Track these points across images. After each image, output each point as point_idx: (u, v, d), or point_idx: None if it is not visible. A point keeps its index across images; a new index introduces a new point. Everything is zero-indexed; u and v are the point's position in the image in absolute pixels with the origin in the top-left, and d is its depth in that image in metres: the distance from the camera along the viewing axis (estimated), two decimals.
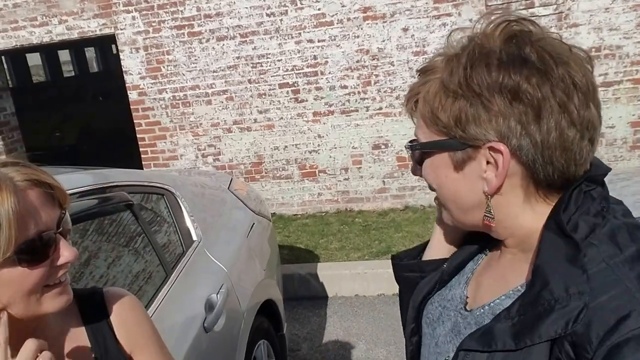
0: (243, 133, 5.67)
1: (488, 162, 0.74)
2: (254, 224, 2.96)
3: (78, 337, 0.97)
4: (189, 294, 2.09)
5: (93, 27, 5.61)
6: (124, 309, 1.03)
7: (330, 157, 5.55)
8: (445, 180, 0.79)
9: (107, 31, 5.59)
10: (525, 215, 0.76)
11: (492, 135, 0.72)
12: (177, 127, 5.77)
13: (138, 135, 5.88)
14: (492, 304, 0.80)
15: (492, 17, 0.75)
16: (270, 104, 5.53)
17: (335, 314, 4.03)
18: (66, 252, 0.86)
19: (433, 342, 0.91)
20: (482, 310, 0.82)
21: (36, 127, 9.37)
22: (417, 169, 0.85)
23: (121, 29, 5.57)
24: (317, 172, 5.63)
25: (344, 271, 4.31)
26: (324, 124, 5.48)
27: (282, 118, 5.55)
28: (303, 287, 4.31)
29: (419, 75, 0.81)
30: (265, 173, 5.74)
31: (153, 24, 5.51)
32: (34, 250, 0.81)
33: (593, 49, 4.94)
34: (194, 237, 2.37)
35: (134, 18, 5.52)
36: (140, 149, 5.92)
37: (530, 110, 0.69)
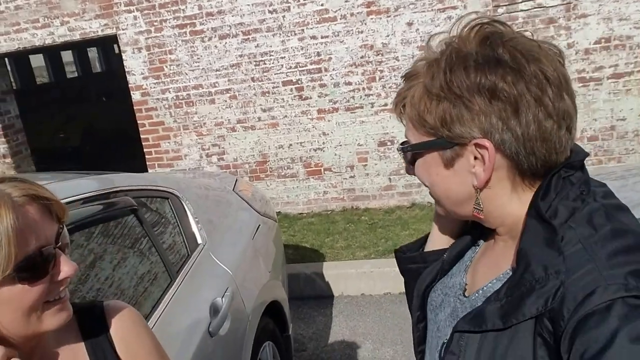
0: (247, 132, 5.71)
1: (475, 158, 0.80)
2: (259, 225, 2.98)
3: (77, 352, 0.96)
4: (193, 298, 2.11)
5: (95, 27, 5.66)
6: (124, 322, 1.02)
7: (336, 154, 5.58)
8: (437, 178, 0.85)
9: (109, 31, 5.63)
10: (513, 205, 0.82)
11: (476, 132, 0.78)
12: (180, 127, 5.81)
13: (142, 136, 5.92)
14: (484, 288, 0.87)
15: (466, 21, 0.82)
16: (274, 102, 5.56)
17: (341, 313, 4.05)
18: (66, 267, 0.86)
19: (435, 327, 0.97)
20: (476, 295, 0.88)
21: (40, 128, 9.47)
22: (410, 169, 0.91)
23: (123, 29, 5.62)
24: (322, 170, 5.65)
25: (350, 270, 4.33)
26: (329, 121, 5.50)
27: (286, 116, 5.58)
28: (309, 286, 4.33)
29: (404, 80, 0.87)
30: (270, 172, 5.78)
31: (155, 24, 5.55)
32: (33, 267, 0.82)
33: (603, 40, 4.90)
34: (199, 240, 2.39)
35: (135, 18, 5.56)
36: (144, 150, 5.95)
37: (509, 106, 0.75)
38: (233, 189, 3.11)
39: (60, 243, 0.87)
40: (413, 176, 0.92)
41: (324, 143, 5.58)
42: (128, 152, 7.67)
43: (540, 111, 0.75)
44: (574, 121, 0.79)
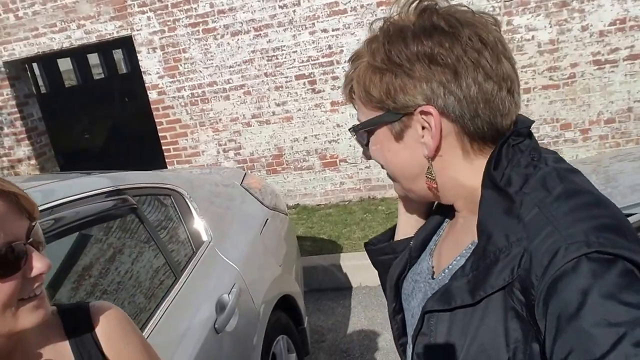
0: (262, 126, 5.62)
1: (423, 128, 0.78)
2: (267, 219, 2.89)
3: (61, 352, 0.92)
4: (198, 296, 2.04)
5: (110, 29, 5.62)
6: (110, 322, 0.97)
7: (350, 145, 5.45)
8: (389, 154, 0.84)
9: (123, 33, 5.58)
10: (467, 173, 0.80)
11: (420, 99, 0.77)
12: (197, 123, 5.75)
13: (160, 134, 5.88)
14: (450, 267, 0.84)
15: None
16: (288, 96, 5.46)
17: (359, 304, 3.96)
18: (39, 264, 0.82)
19: (410, 315, 0.95)
20: (443, 275, 0.85)
21: (68, 130, 9.52)
22: (366, 152, 0.89)
23: (137, 30, 5.56)
24: (337, 161, 5.54)
25: (368, 261, 4.21)
26: (342, 113, 5.38)
27: (300, 109, 5.47)
28: (327, 278, 4.25)
29: (350, 64, 0.86)
30: (287, 165, 5.69)
31: (168, 23, 5.48)
32: (3, 262, 0.78)
33: (617, 21, 4.70)
34: (204, 237, 2.31)
35: (149, 18, 5.50)
36: (163, 147, 5.92)
37: (448, 70, 0.75)
38: (241, 184, 3.02)
39: (31, 239, 0.82)
40: None
41: (338, 135, 5.46)
42: (150, 151, 7.64)
43: (479, 73, 0.74)
44: (515, 84, 0.78)
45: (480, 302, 0.72)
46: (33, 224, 0.84)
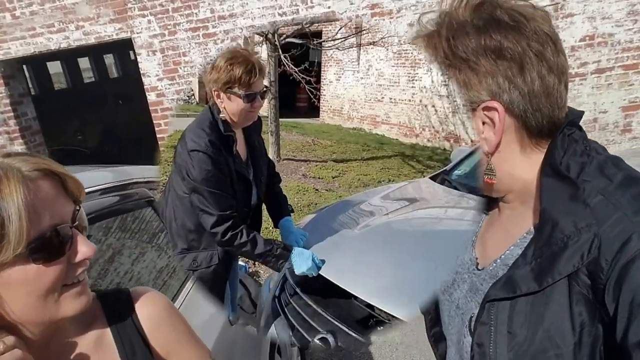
0: None
1: (484, 123, 0.76)
2: None
3: (101, 339, 0.84)
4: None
5: (110, 31, 5.45)
6: (153, 306, 0.89)
7: None
8: None
9: (123, 35, 5.41)
10: (524, 167, 0.77)
11: (484, 95, 0.74)
12: None
13: (157, 135, 5.70)
14: (502, 257, 0.80)
15: None
16: None
17: None
18: (84, 248, 0.74)
19: (453, 306, 0.91)
20: (494, 265, 0.82)
21: (59, 132, 9.18)
22: None
23: (137, 33, 5.42)
24: None
25: None
26: None
27: None
28: None
29: None
30: None
31: (168, 27, 5.34)
32: (49, 246, 0.70)
33: (587, 37, 4.86)
34: None
35: (149, 22, 5.36)
36: (161, 149, 5.78)
37: (514, 64, 0.72)
38: None
39: (77, 223, 0.75)
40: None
41: None
42: (147, 152, 7.47)
43: (543, 67, 0.72)
44: (568, 78, 0.77)
45: (545, 289, 0.70)
46: (78, 207, 0.76)
